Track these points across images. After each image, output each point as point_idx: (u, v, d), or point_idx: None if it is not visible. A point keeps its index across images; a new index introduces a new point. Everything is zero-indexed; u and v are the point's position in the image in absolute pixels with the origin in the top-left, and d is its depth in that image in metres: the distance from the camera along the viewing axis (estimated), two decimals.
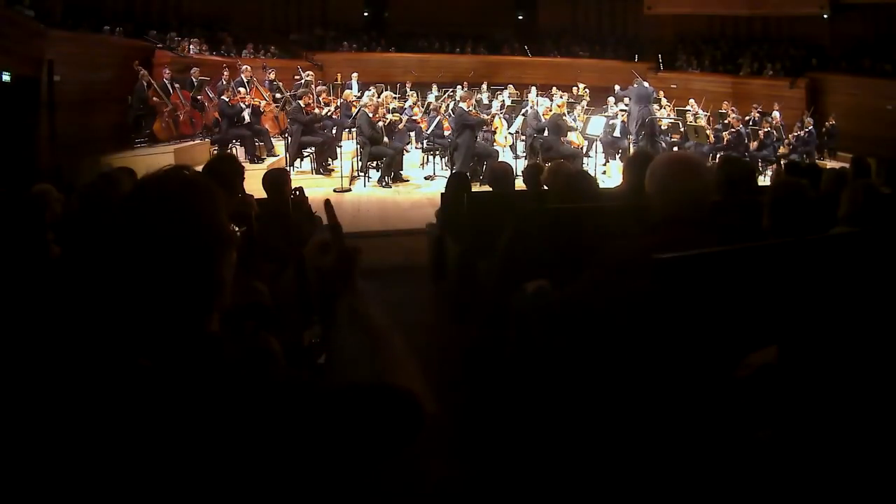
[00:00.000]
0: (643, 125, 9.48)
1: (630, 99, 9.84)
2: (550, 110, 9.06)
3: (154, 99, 9.08)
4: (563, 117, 8.93)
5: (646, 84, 10.11)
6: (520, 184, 5.22)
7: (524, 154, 9.33)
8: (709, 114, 11.21)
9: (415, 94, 11.36)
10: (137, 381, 0.81)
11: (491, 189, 4.56)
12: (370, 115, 8.41)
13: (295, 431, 0.80)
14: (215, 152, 8.64)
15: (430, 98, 11.21)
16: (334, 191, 8.24)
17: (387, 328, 1.03)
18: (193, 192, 0.86)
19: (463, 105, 8.54)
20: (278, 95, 10.28)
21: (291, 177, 4.42)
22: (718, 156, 9.58)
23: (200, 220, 0.84)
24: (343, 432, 0.82)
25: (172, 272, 0.82)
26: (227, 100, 8.73)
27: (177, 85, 9.53)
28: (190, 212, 0.83)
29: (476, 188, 6.66)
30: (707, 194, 1.82)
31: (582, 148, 9.26)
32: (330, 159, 9.11)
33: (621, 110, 10.16)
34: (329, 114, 9.42)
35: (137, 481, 0.77)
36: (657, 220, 1.80)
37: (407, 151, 9.57)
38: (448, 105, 9.80)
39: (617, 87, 11.34)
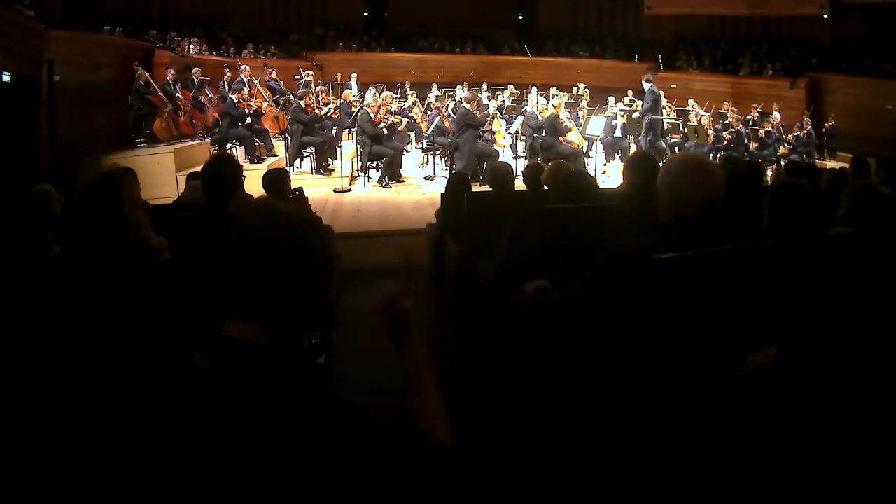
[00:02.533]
0: (650, 126, 9.44)
1: (646, 103, 9.71)
2: (547, 109, 9.03)
3: (155, 96, 9.08)
4: (560, 118, 8.89)
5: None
6: (520, 184, 5.21)
7: (524, 154, 9.32)
8: (710, 114, 11.20)
9: (414, 94, 11.35)
10: (183, 379, 0.85)
11: (491, 189, 4.55)
12: (372, 115, 8.40)
13: (322, 462, 0.80)
14: (215, 152, 8.63)
15: (431, 98, 11.20)
16: (334, 191, 8.24)
17: (428, 375, 1.12)
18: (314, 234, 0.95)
19: (467, 105, 8.50)
20: (280, 97, 10.28)
21: (291, 177, 4.42)
22: (719, 156, 9.59)
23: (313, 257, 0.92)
24: (377, 476, 0.83)
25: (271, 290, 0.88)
26: (234, 100, 8.72)
27: (178, 85, 9.53)
28: (305, 250, 0.92)
29: (476, 188, 6.66)
30: (716, 201, 1.75)
31: (582, 148, 9.24)
32: (330, 159, 9.11)
33: (621, 110, 10.13)
34: (329, 114, 9.43)
35: (153, 477, 0.79)
36: (664, 219, 1.79)
37: (407, 151, 9.55)
38: (448, 105, 9.79)
39: (631, 92, 11.15)
